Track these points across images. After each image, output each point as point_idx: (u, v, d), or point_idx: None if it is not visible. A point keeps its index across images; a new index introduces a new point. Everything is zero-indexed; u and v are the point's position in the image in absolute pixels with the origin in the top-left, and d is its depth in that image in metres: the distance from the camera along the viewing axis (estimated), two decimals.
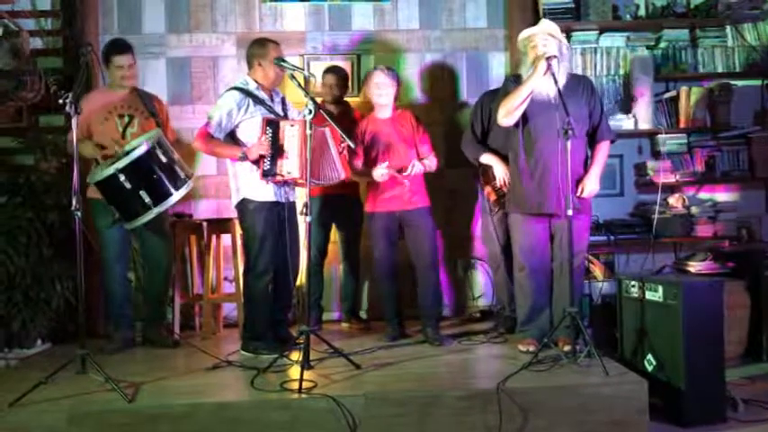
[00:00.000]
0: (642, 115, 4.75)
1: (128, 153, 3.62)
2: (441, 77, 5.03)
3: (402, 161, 4.03)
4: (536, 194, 3.73)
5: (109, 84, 4.08)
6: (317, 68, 4.76)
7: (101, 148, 3.91)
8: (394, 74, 4.11)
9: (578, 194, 3.72)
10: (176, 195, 3.70)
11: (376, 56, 4.96)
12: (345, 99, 4.66)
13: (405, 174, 3.96)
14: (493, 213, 4.20)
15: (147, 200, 3.60)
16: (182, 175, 3.74)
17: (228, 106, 3.74)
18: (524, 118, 3.73)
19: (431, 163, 4.11)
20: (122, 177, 3.55)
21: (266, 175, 3.67)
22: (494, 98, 4.02)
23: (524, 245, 3.82)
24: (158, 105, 4.20)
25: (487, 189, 4.16)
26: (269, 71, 3.80)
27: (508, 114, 3.71)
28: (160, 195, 3.64)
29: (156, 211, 3.64)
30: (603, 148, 3.85)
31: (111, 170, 3.56)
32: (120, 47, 4.02)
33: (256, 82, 3.83)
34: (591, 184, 3.75)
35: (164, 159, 3.66)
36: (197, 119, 4.55)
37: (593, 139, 3.86)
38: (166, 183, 3.65)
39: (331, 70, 4.60)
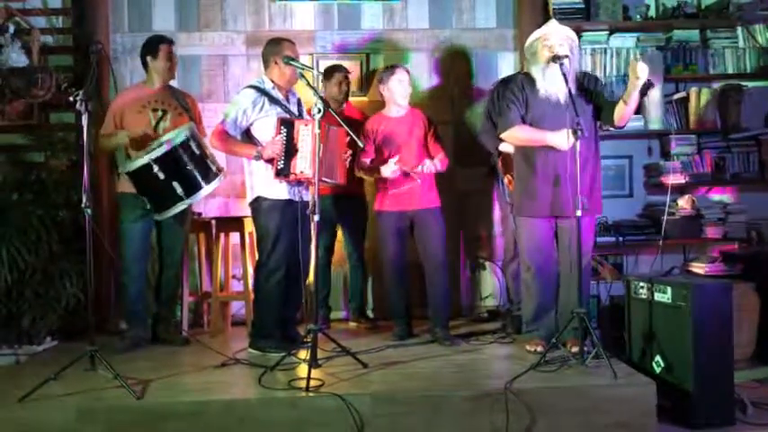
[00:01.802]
0: (652, 116, 4.73)
1: (161, 144, 3.65)
2: (450, 77, 5.03)
3: (414, 160, 4.03)
4: (544, 195, 3.70)
5: (145, 80, 4.12)
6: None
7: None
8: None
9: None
10: (207, 188, 3.75)
11: (385, 55, 4.95)
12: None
13: (416, 171, 3.97)
14: (512, 203, 4.11)
15: (180, 191, 3.64)
16: (213, 168, 3.79)
17: (244, 104, 3.76)
18: (533, 119, 3.72)
19: (441, 164, 4.09)
20: (156, 168, 3.58)
21: (280, 173, 3.68)
22: (507, 87, 3.99)
23: (530, 245, 3.81)
24: (191, 102, 4.22)
25: (507, 177, 4.10)
26: (285, 70, 3.80)
27: (513, 141, 3.80)
28: (192, 187, 3.68)
29: (187, 202, 3.71)
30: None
31: (145, 160, 3.59)
32: (167, 37, 4.12)
33: (272, 81, 3.83)
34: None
35: (197, 152, 3.71)
36: (206, 117, 4.55)
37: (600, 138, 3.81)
38: (198, 175, 3.70)
39: (337, 69, 4.56)
